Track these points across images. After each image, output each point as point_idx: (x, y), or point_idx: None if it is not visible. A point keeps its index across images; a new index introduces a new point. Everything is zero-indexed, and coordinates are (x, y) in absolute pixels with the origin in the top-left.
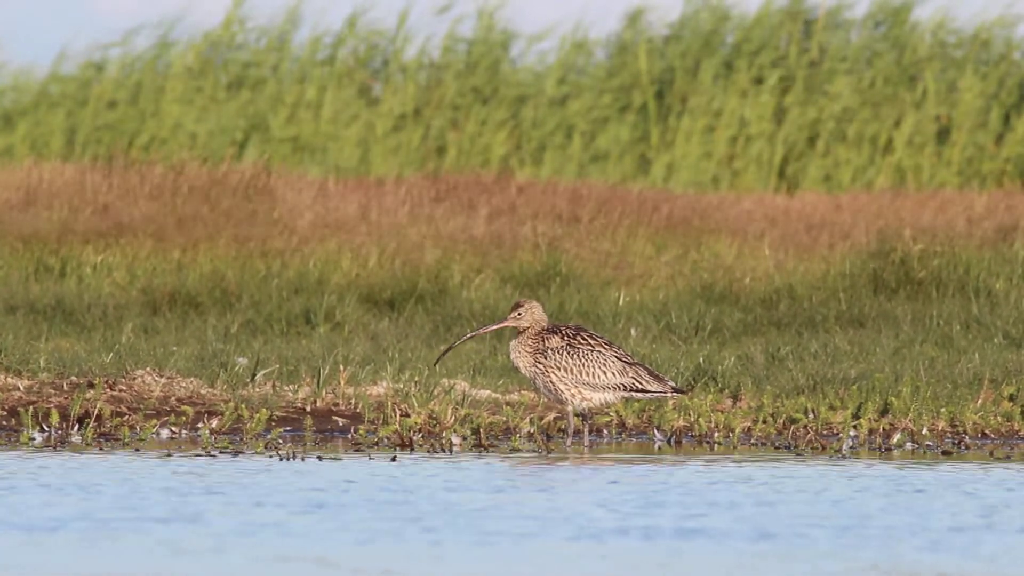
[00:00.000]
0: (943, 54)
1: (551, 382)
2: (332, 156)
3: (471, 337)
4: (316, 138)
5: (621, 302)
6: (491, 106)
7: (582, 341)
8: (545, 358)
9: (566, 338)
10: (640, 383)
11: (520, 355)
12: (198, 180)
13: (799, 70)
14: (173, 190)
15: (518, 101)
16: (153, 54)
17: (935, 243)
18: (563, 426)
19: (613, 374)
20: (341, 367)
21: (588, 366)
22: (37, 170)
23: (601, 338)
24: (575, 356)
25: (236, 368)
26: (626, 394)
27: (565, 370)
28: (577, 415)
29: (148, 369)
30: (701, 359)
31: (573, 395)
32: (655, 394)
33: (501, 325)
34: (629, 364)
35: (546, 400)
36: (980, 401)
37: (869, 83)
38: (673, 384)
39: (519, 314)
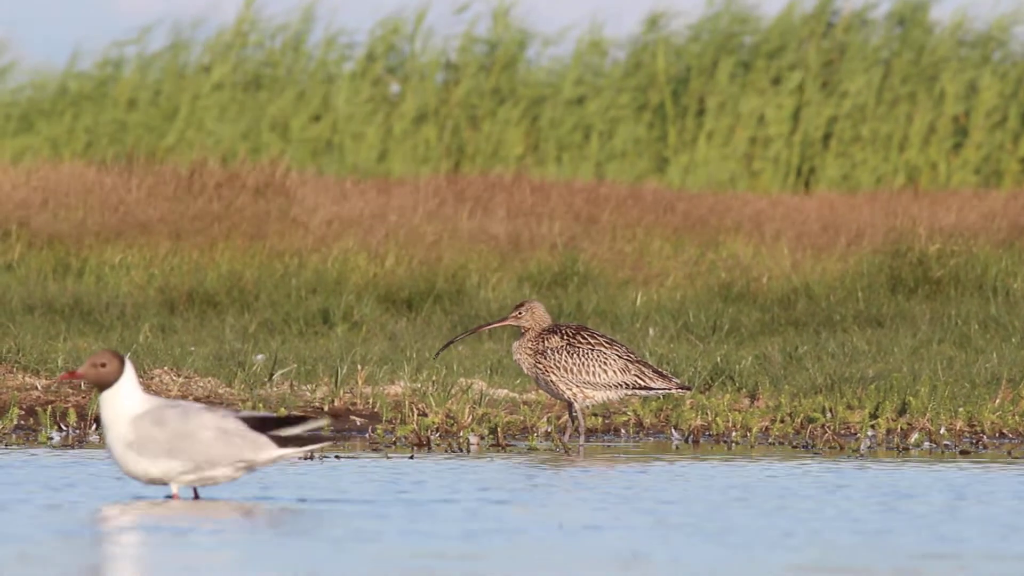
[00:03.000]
0: (961, 54)
1: (551, 382)
2: (351, 156)
3: (471, 333)
4: (336, 139)
5: (639, 302)
6: (508, 106)
7: (582, 340)
8: (545, 358)
9: (566, 337)
10: (643, 380)
11: (522, 356)
12: (215, 180)
13: (817, 70)
14: (191, 190)
15: (535, 101)
16: (171, 54)
17: (952, 242)
18: (592, 426)
19: (614, 372)
20: (359, 366)
21: (588, 365)
22: (55, 170)
23: (602, 337)
24: (575, 355)
25: (254, 367)
26: (629, 392)
27: (565, 369)
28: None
29: (166, 368)
30: (719, 358)
31: (574, 394)
32: (659, 391)
33: (501, 323)
34: (631, 362)
35: (553, 399)
36: (998, 400)
37: (887, 83)
38: (679, 381)
39: (520, 313)
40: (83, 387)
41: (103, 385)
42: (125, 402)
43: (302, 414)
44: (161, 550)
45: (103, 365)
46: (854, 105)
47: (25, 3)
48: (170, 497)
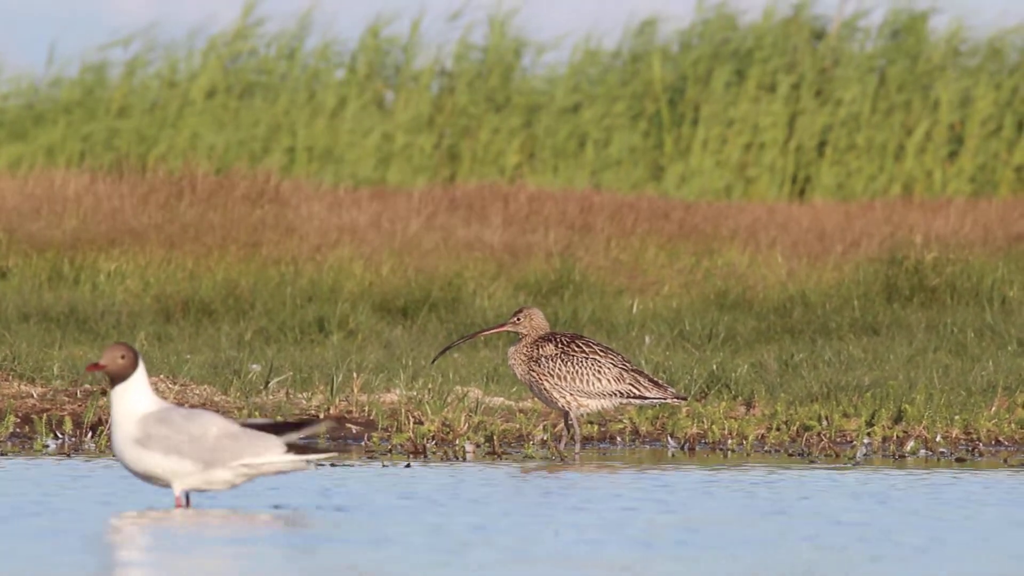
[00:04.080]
0: (957, 63)
1: (545, 389)
2: (349, 166)
3: (469, 339)
4: (332, 147)
5: (635, 310)
6: (504, 114)
7: (576, 348)
8: (538, 365)
9: (560, 345)
10: (638, 389)
11: (516, 362)
12: (210, 188)
13: (811, 78)
14: (185, 197)
15: (531, 109)
16: (163, 61)
17: (948, 251)
18: (588, 434)
19: (608, 381)
20: (354, 374)
21: (582, 373)
22: (48, 177)
23: (597, 345)
24: (568, 363)
25: (249, 375)
26: (624, 400)
27: (558, 377)
28: (581, 423)
29: (162, 376)
30: (715, 366)
31: (568, 402)
32: (654, 400)
33: (499, 329)
34: (626, 371)
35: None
36: (994, 408)
37: (882, 91)
38: (674, 391)
39: (518, 320)
40: (79, 395)
41: (120, 377)
42: (136, 399)
43: (303, 418)
44: (166, 558)
45: (123, 356)
46: (849, 113)
47: (4, 6)
48: (173, 505)
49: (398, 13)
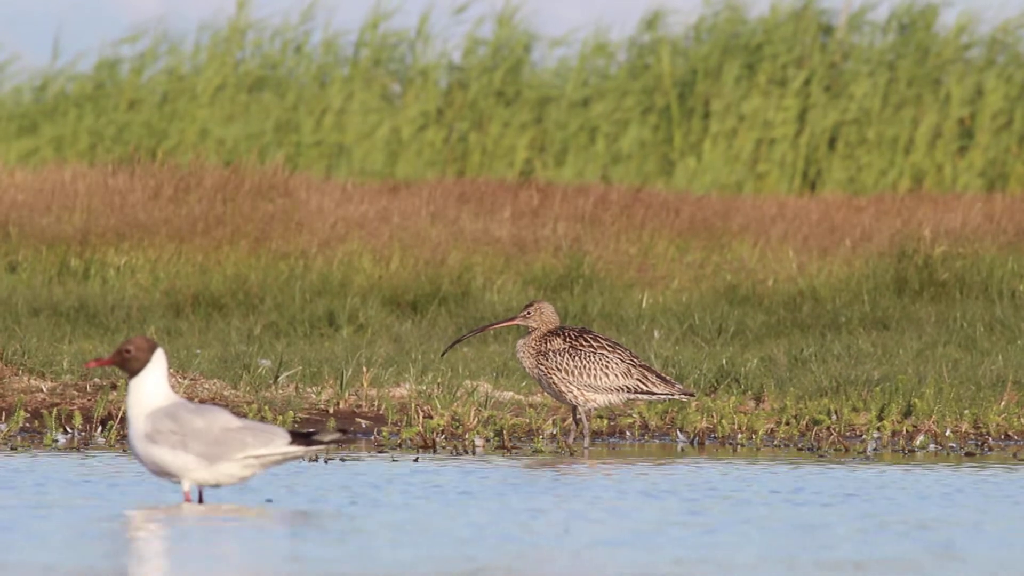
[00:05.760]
0: (966, 57)
1: (553, 383)
2: (358, 160)
3: (479, 332)
4: (342, 141)
5: (644, 304)
6: (514, 108)
7: (584, 343)
8: (546, 359)
9: (568, 340)
10: (645, 385)
11: (525, 355)
12: (219, 182)
13: (822, 72)
14: (194, 192)
15: (540, 103)
16: (170, 55)
17: (958, 245)
18: (597, 428)
19: (616, 376)
20: (364, 369)
21: (590, 368)
22: (59, 171)
23: (606, 340)
24: (577, 358)
25: (259, 370)
26: (631, 396)
27: (566, 372)
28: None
29: (171, 371)
30: (724, 361)
31: (575, 396)
32: (661, 396)
33: (509, 323)
34: (635, 366)
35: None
36: (1003, 403)
37: (892, 85)
38: (682, 387)
39: (528, 313)
40: (88, 389)
41: (127, 371)
42: (147, 393)
43: (309, 430)
44: (172, 553)
45: (127, 352)
46: (860, 108)
47: (16, 1)
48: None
49: (399, 6)
